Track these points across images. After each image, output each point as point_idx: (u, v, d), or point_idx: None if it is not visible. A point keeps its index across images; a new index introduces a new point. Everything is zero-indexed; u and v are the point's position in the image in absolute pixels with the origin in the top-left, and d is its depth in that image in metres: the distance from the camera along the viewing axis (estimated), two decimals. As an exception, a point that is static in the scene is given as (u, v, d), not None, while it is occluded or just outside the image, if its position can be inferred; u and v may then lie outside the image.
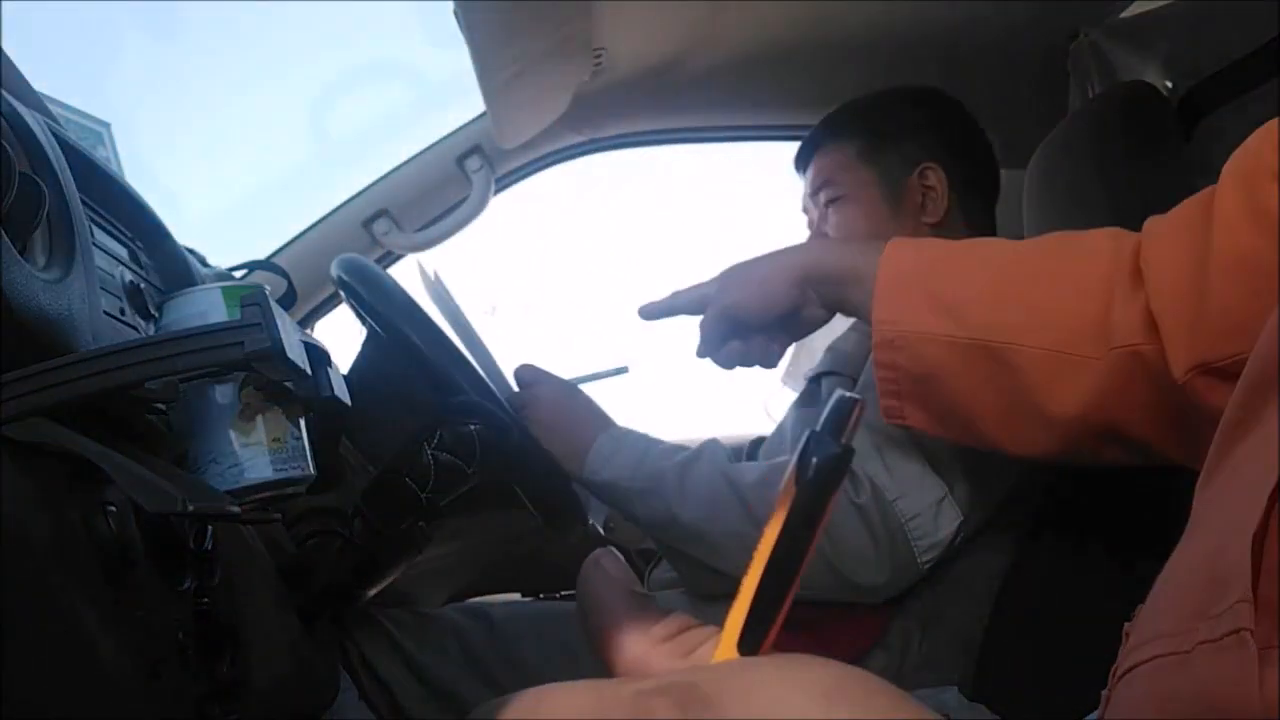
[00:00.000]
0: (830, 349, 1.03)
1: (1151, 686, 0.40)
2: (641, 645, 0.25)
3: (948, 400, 0.68)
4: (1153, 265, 0.58)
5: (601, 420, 0.92)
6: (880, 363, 0.69)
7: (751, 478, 0.84)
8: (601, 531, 1.13)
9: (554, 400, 0.92)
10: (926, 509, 0.81)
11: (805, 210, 1.15)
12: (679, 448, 0.89)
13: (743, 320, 0.77)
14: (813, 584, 0.84)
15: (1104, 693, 0.46)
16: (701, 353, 0.80)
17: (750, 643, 0.23)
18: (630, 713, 0.20)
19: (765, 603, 0.23)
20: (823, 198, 1.09)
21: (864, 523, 0.81)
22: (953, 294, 0.65)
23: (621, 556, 0.28)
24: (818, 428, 0.24)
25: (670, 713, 0.20)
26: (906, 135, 1.07)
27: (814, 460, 0.23)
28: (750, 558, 0.24)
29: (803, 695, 0.19)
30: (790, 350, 0.82)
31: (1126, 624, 0.47)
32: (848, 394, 0.24)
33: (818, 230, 1.11)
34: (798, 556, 0.23)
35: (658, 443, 0.90)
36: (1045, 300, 0.63)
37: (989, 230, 1.10)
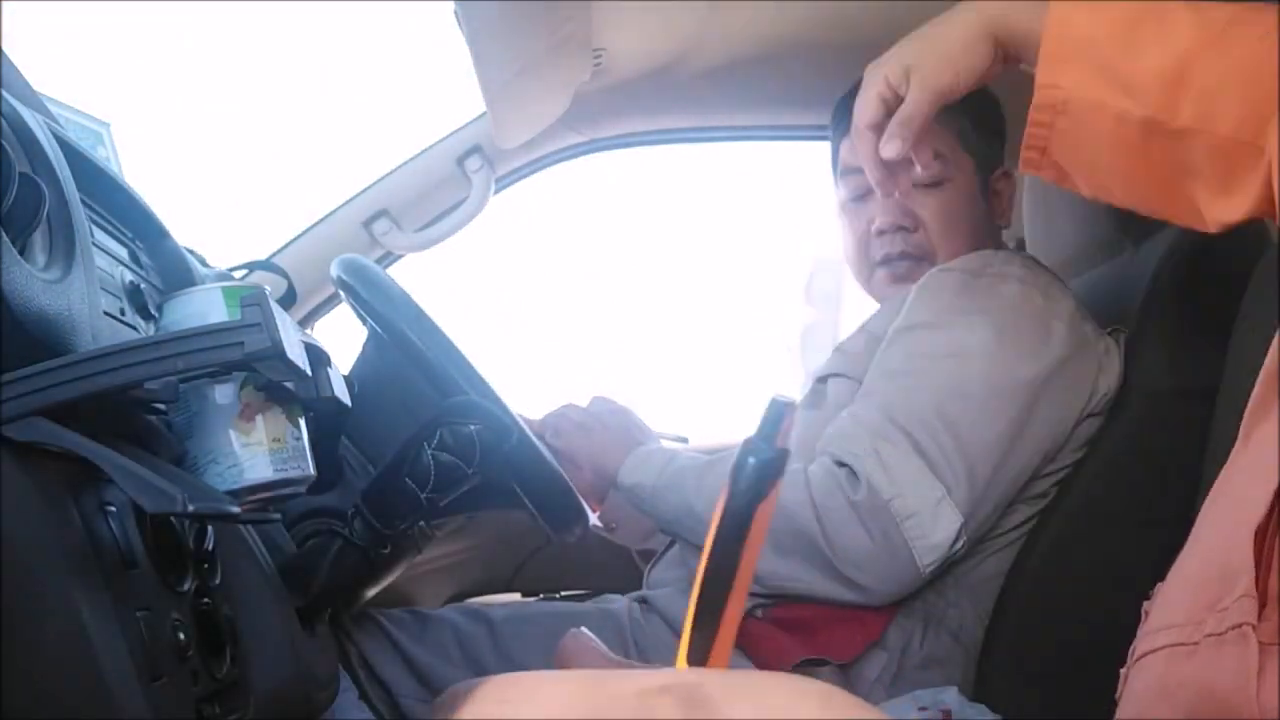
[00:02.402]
0: (839, 349, 1.03)
1: (1162, 674, 0.41)
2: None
3: (1099, 166, 0.65)
4: None
5: (640, 440, 1.00)
6: (1037, 121, 0.65)
7: None
8: (603, 532, 1.12)
9: (601, 422, 1.02)
10: (924, 509, 0.81)
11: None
12: (701, 457, 0.94)
13: (954, 93, 0.70)
14: (815, 585, 0.85)
15: (1122, 670, 0.47)
16: (899, 149, 0.71)
17: (697, 653, 0.22)
18: (633, 711, 0.20)
19: (706, 612, 0.22)
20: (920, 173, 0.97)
21: (860, 522, 0.81)
22: (1129, 69, 0.61)
23: (594, 636, 0.28)
24: (753, 432, 0.23)
25: (674, 712, 0.20)
26: (994, 134, 1.04)
27: (746, 464, 0.23)
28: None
29: (803, 701, 0.19)
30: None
31: (1146, 602, 0.48)
32: (781, 397, 0.23)
33: (891, 204, 1.00)
34: (732, 563, 0.22)
35: (681, 454, 0.96)
36: (1231, 88, 0.59)
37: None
